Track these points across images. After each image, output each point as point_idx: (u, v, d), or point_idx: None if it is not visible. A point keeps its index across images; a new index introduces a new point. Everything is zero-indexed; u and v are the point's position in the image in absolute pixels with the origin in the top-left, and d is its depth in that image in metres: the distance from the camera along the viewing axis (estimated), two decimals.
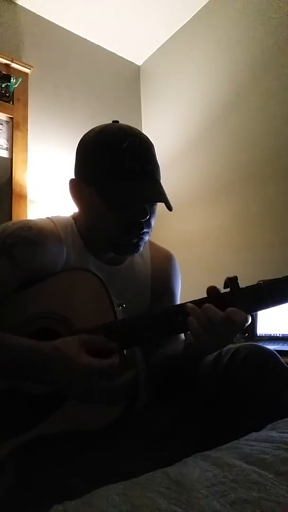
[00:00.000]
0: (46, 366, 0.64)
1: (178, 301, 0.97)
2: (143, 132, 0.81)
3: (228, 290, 0.68)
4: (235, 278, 0.68)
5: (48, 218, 0.85)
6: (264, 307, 0.67)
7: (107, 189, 0.76)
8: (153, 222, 0.82)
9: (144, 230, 0.79)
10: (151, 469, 0.52)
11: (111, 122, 0.83)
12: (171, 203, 0.77)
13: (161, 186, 0.79)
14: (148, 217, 0.77)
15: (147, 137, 0.80)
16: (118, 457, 0.69)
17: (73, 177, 0.84)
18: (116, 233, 0.78)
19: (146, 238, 0.82)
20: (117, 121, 0.83)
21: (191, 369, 0.82)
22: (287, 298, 0.66)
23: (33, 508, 0.56)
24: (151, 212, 0.79)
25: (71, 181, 0.83)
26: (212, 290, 0.68)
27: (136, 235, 0.79)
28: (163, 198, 0.76)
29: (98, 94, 2.39)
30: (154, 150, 0.80)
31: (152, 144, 0.80)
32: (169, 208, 0.77)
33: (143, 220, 0.77)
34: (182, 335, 0.88)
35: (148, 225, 0.80)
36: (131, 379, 0.67)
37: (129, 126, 0.80)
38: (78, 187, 0.82)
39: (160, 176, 0.80)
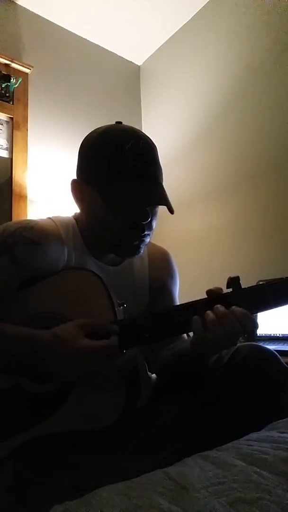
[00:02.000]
0: (46, 353, 0.65)
1: (177, 299, 0.96)
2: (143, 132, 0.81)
3: (230, 290, 0.68)
4: (237, 278, 0.68)
5: (49, 218, 0.85)
6: (267, 307, 0.67)
7: (109, 190, 0.76)
8: (154, 224, 0.81)
9: (145, 233, 0.79)
10: (151, 469, 0.52)
11: (114, 123, 0.82)
12: (172, 204, 0.77)
13: (163, 189, 0.78)
14: (149, 219, 0.77)
15: (150, 139, 0.79)
16: (118, 457, 0.69)
17: (75, 177, 0.83)
18: (117, 235, 0.78)
19: (147, 240, 0.82)
20: (120, 122, 0.82)
21: (197, 368, 0.82)
22: None
23: (33, 508, 0.56)
24: (153, 215, 0.79)
25: (73, 181, 0.83)
26: (211, 292, 0.68)
27: (137, 237, 0.78)
28: (165, 201, 0.76)
29: (98, 94, 2.39)
30: (157, 152, 0.79)
31: (155, 146, 0.80)
32: (171, 211, 0.77)
33: (144, 222, 0.76)
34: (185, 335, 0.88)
35: (150, 227, 0.80)
36: (133, 359, 0.66)
37: (133, 128, 0.79)
38: (80, 187, 0.82)
39: (162, 179, 0.80)
